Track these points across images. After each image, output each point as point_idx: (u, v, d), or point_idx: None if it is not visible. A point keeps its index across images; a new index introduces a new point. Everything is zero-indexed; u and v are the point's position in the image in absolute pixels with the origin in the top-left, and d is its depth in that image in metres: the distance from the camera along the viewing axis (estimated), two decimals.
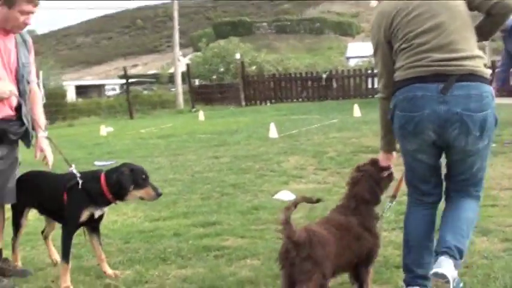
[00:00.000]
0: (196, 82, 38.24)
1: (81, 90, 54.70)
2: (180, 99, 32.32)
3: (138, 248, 6.42)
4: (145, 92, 42.22)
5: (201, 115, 23.99)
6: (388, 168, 4.72)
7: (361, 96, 29.05)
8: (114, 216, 7.80)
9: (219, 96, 33.67)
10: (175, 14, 34.80)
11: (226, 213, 7.63)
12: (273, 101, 31.31)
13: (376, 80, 23.23)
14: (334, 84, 30.63)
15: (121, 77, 45.16)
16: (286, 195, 8.25)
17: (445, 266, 4.07)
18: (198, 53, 45.71)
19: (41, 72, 24.58)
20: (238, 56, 34.76)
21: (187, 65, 33.39)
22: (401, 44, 4.32)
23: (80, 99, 41.33)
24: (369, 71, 29.74)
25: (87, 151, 15.50)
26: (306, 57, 62.91)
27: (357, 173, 4.73)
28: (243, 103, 31.43)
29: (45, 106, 5.80)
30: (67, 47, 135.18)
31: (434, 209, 4.60)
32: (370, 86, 29.83)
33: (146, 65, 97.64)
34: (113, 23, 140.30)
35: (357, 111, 19.98)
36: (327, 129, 16.32)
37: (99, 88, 61.65)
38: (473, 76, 4.14)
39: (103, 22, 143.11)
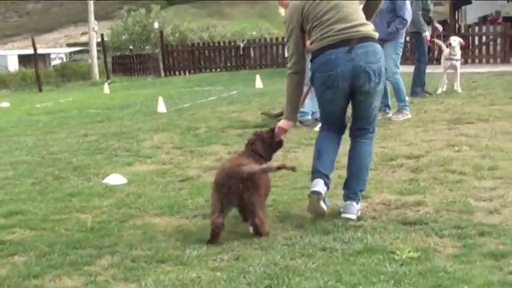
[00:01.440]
0: (118, 53, 37.49)
1: (25, 59, 53.33)
2: (96, 70, 31.63)
3: None
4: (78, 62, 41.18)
5: (106, 88, 23.54)
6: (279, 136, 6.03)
7: (278, 66, 28.70)
8: None
9: (138, 67, 33.10)
10: None
11: (41, 200, 7.25)
12: (191, 71, 30.87)
13: None
14: (252, 54, 30.26)
15: (69, 45, 43.95)
16: (114, 179, 7.96)
17: (352, 209, 5.86)
18: (120, 22, 44.56)
19: None
20: (156, 25, 34.02)
21: (102, 35, 32.62)
22: (313, 23, 5.67)
23: (23, 69, 40.35)
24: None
25: None
26: (243, 23, 61.97)
27: (253, 136, 5.93)
28: (163, 73, 30.95)
29: None
30: (17, 14, 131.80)
31: (340, 137, 6.05)
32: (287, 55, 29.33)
33: (97, 32, 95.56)
34: None
35: (258, 82, 19.72)
36: (219, 103, 16.21)
37: (44, 57, 60.21)
38: (367, 38, 5.64)
39: None
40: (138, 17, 41.96)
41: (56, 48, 69.23)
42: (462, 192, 6.49)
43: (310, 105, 11.46)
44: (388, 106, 11.42)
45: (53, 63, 55.20)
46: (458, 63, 14.71)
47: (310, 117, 11.49)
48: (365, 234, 5.36)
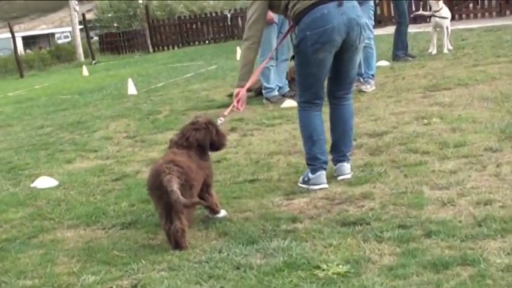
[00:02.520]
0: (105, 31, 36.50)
1: (29, 41, 52.43)
2: (80, 51, 30.68)
3: None
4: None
5: (85, 70, 22.67)
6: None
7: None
8: None
9: (126, 45, 32.21)
10: None
11: None
12: (180, 45, 29.97)
13: None
14: (240, 23, 29.27)
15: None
16: (44, 182, 7.20)
17: (345, 170, 5.99)
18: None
19: None
20: (140, 0, 32.99)
21: (83, 14, 31.65)
22: None
23: (28, 51, 39.53)
24: None
25: None
26: None
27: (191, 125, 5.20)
28: (151, 49, 30.10)
29: None
30: None
31: (321, 110, 5.88)
32: None
33: (78, 12, 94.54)
34: None
35: (239, 54, 18.82)
36: (194, 80, 15.58)
37: (48, 37, 59.19)
38: None
39: None
40: None
41: (61, 28, 67.85)
42: (418, 179, 5.71)
43: (275, 80, 10.63)
44: (361, 75, 10.55)
45: (59, 41, 53.82)
46: (444, 21, 13.78)
47: (277, 92, 10.64)
48: (293, 243, 4.60)
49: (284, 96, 10.68)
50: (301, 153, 6.39)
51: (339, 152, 6.00)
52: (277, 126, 8.70)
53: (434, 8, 13.83)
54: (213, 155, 5.66)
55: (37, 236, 5.52)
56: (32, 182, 7.34)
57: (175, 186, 4.56)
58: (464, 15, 23.07)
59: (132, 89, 14.34)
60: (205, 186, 5.15)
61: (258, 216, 5.28)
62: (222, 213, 5.35)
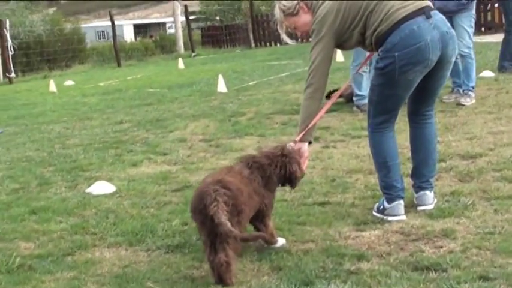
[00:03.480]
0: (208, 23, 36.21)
1: (141, 29, 53.02)
2: (180, 43, 30.36)
3: None
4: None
5: (181, 63, 22.30)
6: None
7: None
8: None
9: (227, 38, 31.81)
10: None
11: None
12: (282, 41, 29.33)
13: None
14: None
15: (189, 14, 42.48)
16: (100, 188, 6.71)
17: (427, 200, 5.32)
18: None
19: (7, 21, 23.18)
20: None
21: (185, 6, 31.31)
22: (363, 13, 4.89)
23: (139, 39, 39.73)
24: None
25: None
26: None
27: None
28: (253, 45, 29.62)
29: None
30: None
31: (394, 129, 5.26)
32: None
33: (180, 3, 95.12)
34: None
35: (339, 55, 18.06)
36: (287, 80, 14.95)
37: (160, 26, 59.67)
38: (431, 7, 4.94)
39: None
40: None
41: (172, 17, 68.33)
42: (509, 216, 4.93)
43: (368, 87, 9.91)
44: (460, 86, 9.73)
45: (169, 31, 53.95)
46: None
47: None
48: None
49: None
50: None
51: (422, 178, 5.33)
52: (364, 139, 7.97)
53: None
54: None
55: (73, 253, 5.01)
56: (89, 186, 6.85)
57: (223, 217, 3.95)
58: None
59: (222, 87, 13.82)
60: (261, 216, 4.59)
61: (321, 249, 4.64)
62: (280, 242, 4.75)
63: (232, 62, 21.84)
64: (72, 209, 6.11)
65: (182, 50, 29.83)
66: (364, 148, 7.47)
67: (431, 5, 4.96)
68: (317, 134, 8.26)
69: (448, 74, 5.22)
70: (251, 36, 29.65)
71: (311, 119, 5.02)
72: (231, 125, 9.65)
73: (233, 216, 4.07)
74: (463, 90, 9.62)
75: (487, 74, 12.02)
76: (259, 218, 4.58)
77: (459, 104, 9.36)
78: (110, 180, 7.03)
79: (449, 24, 5.01)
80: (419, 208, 5.28)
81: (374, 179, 6.13)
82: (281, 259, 4.49)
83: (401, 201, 5.18)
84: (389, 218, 5.12)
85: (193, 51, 28.78)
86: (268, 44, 29.81)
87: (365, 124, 8.52)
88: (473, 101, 9.54)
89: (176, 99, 13.36)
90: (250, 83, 14.87)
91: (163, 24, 61.29)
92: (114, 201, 6.28)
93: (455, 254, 4.32)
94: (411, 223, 5.00)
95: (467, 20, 9.70)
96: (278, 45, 28.98)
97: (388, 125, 5.16)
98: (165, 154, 8.19)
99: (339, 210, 5.45)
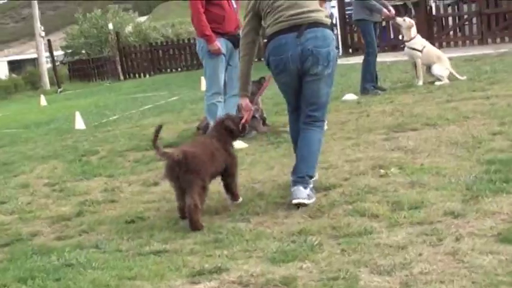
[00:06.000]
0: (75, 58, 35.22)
1: (14, 65, 51.15)
2: (45, 79, 29.36)
3: None
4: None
5: (43, 100, 21.49)
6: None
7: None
8: None
9: (96, 72, 30.99)
10: None
11: None
12: (151, 72, 28.81)
13: None
14: None
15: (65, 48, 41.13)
16: None
17: (299, 194, 5.75)
18: (75, 26, 41.48)
19: None
20: (110, 26, 31.56)
21: (48, 40, 30.41)
22: (266, 9, 5.94)
23: (14, 76, 38.28)
24: None
25: None
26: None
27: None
28: (121, 77, 28.95)
29: None
30: (13, 20, 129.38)
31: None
32: None
33: (44, 38, 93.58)
34: None
35: (203, 84, 17.70)
36: (149, 113, 14.55)
37: (35, 61, 57.90)
38: (317, 23, 5.83)
39: None
40: (94, 19, 39.27)
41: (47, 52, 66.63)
42: (356, 257, 4.55)
43: None
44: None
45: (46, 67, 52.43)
46: (415, 53, 12.69)
47: None
48: None
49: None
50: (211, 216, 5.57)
51: (299, 173, 5.99)
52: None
53: (406, 37, 12.76)
54: (130, 211, 6.24)
55: None
56: None
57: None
58: (444, 43, 21.94)
59: (79, 124, 13.26)
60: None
61: None
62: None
63: (97, 96, 21.23)
64: None
65: (48, 86, 28.89)
66: (213, 185, 7.02)
67: (321, 19, 5.96)
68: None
69: (318, 84, 5.98)
70: (119, 68, 28.93)
71: (244, 77, 6.26)
72: (80, 166, 9.09)
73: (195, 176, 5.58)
74: None
75: (350, 97, 11.92)
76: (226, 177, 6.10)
77: None
78: None
79: (319, 43, 5.81)
80: (293, 201, 5.83)
81: (219, 220, 5.72)
82: None
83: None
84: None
85: (59, 87, 27.85)
86: (137, 75, 29.17)
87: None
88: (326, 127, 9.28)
89: (31, 139, 12.72)
90: (111, 118, 14.35)
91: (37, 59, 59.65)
92: None
93: None
94: (251, 271, 4.53)
95: None
96: (147, 76, 28.43)
97: (292, 113, 6.48)
98: (2, 203, 7.52)
99: (175, 259, 4.94)
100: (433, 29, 22.00)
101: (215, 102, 9.27)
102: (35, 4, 30.67)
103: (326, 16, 6.06)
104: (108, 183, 7.85)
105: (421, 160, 6.95)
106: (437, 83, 12.32)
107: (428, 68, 12.67)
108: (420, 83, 12.56)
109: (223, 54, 9.26)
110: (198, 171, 5.55)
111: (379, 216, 5.36)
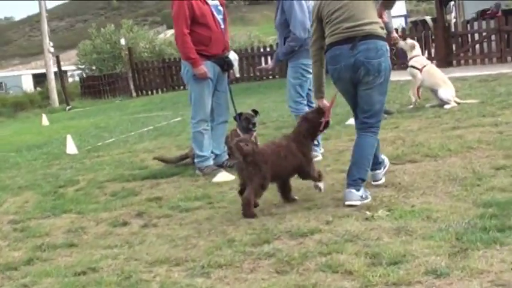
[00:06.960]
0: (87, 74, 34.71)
1: (40, 79, 50.81)
2: (54, 96, 28.85)
3: None
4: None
5: (45, 119, 20.94)
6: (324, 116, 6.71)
7: (268, 77, 25.75)
8: None
9: (107, 88, 30.46)
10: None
11: None
12: (164, 89, 28.23)
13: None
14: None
15: None
16: None
17: (351, 197, 6.27)
18: (88, 41, 40.79)
19: None
20: (123, 41, 30.91)
21: (57, 56, 29.88)
22: (325, 20, 6.44)
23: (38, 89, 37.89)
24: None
25: None
26: (265, 29, 58.09)
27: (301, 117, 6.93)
28: (134, 94, 28.40)
29: None
30: (41, 32, 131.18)
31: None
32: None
33: (53, 54, 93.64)
34: (88, 5, 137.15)
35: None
36: (146, 136, 13.91)
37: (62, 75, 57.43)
38: (370, 36, 6.27)
39: (77, 5, 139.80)
40: (107, 34, 38.64)
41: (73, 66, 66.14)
42: None
43: (210, 146, 8.89)
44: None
45: (70, 80, 51.66)
46: (412, 70, 12.10)
47: (211, 162, 8.86)
48: None
49: (221, 166, 8.86)
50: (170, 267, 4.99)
51: (351, 176, 6.50)
52: (192, 212, 6.92)
53: (408, 56, 12.16)
54: (85, 259, 5.36)
55: None
56: None
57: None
58: (462, 61, 21.18)
59: (71, 148, 12.71)
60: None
61: None
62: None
63: (101, 116, 20.67)
64: None
65: (56, 103, 28.35)
66: (184, 228, 6.41)
67: (374, 32, 6.39)
68: (143, 208, 7.22)
69: (371, 93, 6.51)
70: (131, 84, 28.36)
71: (318, 81, 6.77)
72: (53, 200, 8.48)
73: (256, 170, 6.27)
74: None
75: (353, 121, 11.21)
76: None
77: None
78: None
79: (371, 54, 6.29)
80: (345, 203, 6.33)
81: (178, 273, 5.06)
82: None
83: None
84: None
85: (67, 104, 27.32)
86: (150, 92, 28.59)
87: (199, 193, 7.55)
88: (320, 157, 8.63)
89: (17, 165, 12.16)
90: (106, 141, 13.83)
91: (65, 72, 59.22)
92: None
93: None
94: None
95: (293, 71, 8.71)
96: (160, 92, 27.86)
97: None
98: None
99: None
100: (451, 46, 21.21)
101: (201, 130, 8.69)
102: (44, 19, 30.10)
103: (381, 28, 6.38)
104: (74, 222, 7.23)
105: (413, 200, 6.32)
106: (446, 106, 11.63)
107: (435, 92, 12.00)
108: (411, 106, 12.08)
109: (210, 78, 8.64)
110: (260, 169, 6.19)
111: (353, 273, 4.68)
